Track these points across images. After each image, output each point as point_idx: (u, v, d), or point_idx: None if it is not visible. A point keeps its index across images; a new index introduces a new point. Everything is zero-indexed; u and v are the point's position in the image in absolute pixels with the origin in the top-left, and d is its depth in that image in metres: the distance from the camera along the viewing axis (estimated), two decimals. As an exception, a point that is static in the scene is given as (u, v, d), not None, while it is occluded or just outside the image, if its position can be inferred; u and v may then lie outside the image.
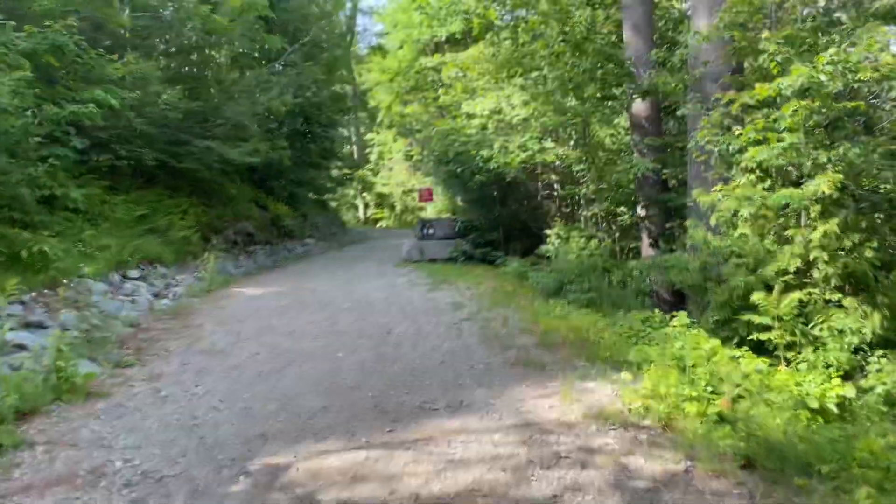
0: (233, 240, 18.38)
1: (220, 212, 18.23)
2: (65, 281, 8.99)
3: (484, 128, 16.30)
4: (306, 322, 8.85)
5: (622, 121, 16.33)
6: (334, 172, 30.60)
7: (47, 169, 10.45)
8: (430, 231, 17.98)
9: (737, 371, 5.44)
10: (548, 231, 14.04)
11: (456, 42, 33.02)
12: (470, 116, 16.60)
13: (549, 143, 14.75)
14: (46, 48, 10.54)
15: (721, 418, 5.05)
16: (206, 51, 16.69)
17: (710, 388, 5.39)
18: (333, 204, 34.83)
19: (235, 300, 10.83)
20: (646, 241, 13.18)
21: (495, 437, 4.48)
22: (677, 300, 12.27)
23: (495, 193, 17.69)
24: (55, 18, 10.69)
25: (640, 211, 13.36)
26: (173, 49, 16.01)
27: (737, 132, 7.89)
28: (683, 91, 11.04)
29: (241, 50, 19.12)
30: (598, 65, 11.79)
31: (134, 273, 11.57)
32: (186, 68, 17.12)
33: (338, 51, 28.05)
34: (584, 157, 13.37)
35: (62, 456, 4.41)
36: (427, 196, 34.42)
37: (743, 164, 8.14)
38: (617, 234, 13.39)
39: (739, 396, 5.43)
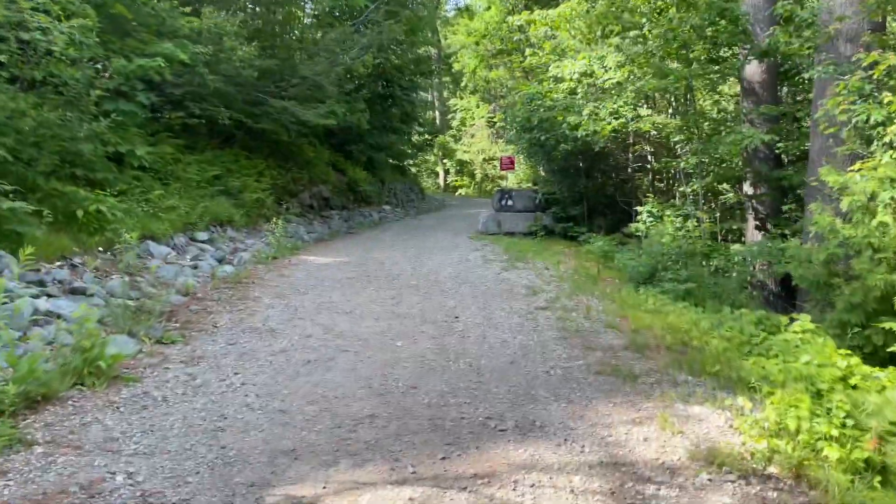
0: (308, 203, 17.87)
1: (296, 174, 17.71)
2: (120, 243, 8.49)
3: (573, 92, 14.98)
4: (369, 299, 8.03)
5: (726, 88, 14.67)
6: (415, 138, 29.78)
7: (111, 124, 10.01)
8: (509, 202, 16.89)
9: (890, 405, 4.23)
10: (638, 208, 12.74)
11: (546, 2, 31.40)
12: (557, 80, 15.29)
13: (644, 111, 13.34)
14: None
15: (869, 465, 3.90)
16: (287, 7, 15.92)
17: (850, 421, 4.22)
18: (413, 170, 34.09)
19: (301, 269, 10.15)
20: (752, 223, 11.75)
21: (574, 481, 3.49)
22: (787, 294, 10.86)
23: (581, 164, 16.42)
24: (125, -34, 10.13)
25: (748, 189, 11.90)
26: (252, 4, 15.29)
27: (886, 99, 6.46)
28: (810, 52, 9.50)
29: (324, 7, 18.33)
30: (709, 20, 10.31)
31: (202, 235, 11.08)
32: (267, 25, 16.44)
33: (422, 11, 26.92)
34: (685, 127, 11.92)
35: (60, 462, 3.71)
36: (508, 165, 33.21)
37: (887, 139, 6.72)
38: (717, 215, 11.96)
39: (890, 434, 4.24)
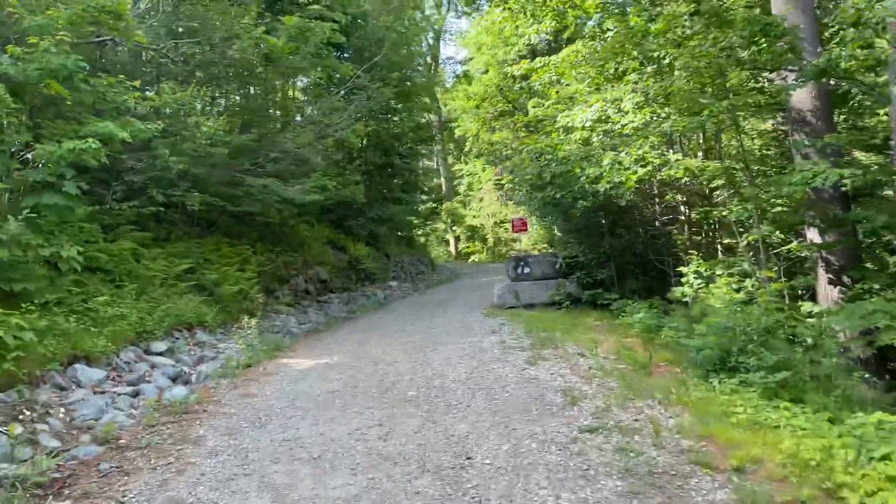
0: (303, 289, 15.84)
1: (288, 258, 15.76)
2: (21, 377, 6.39)
3: (585, 143, 13.00)
4: (349, 430, 5.78)
5: (748, 125, 12.65)
6: (421, 207, 27.98)
7: (40, 221, 8.10)
8: (526, 270, 14.73)
9: None
10: (682, 268, 10.53)
11: (545, 54, 30.01)
12: (567, 130, 13.34)
13: (673, 155, 11.30)
14: (42, 73, 8.25)
15: None
16: (263, 77, 14.26)
17: None
18: (422, 240, 32.20)
19: (274, 381, 7.96)
20: (823, 277, 9.49)
21: None
22: (877, 360, 8.59)
23: (603, 221, 14.31)
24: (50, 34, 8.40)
25: (813, 236, 9.69)
26: (223, 77, 13.65)
27: None
28: (881, 69, 7.50)
29: (305, 78, 16.74)
30: (749, 39, 8.35)
31: (158, 346, 8.98)
32: (245, 99, 14.81)
33: (418, 78, 25.52)
34: (728, 169, 9.81)
35: None
36: (520, 227, 31.13)
37: None
38: (778, 269, 9.72)
39: None
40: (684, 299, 10.33)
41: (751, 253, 9.42)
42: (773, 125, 12.96)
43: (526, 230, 31.51)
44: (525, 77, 16.78)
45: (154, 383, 7.70)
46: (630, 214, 14.74)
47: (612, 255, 14.06)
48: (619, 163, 10.60)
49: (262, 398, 7.13)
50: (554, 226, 20.46)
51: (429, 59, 37.02)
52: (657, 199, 14.22)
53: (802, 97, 9.64)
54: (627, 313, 11.70)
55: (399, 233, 25.16)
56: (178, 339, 9.66)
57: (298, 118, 15.04)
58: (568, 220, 15.02)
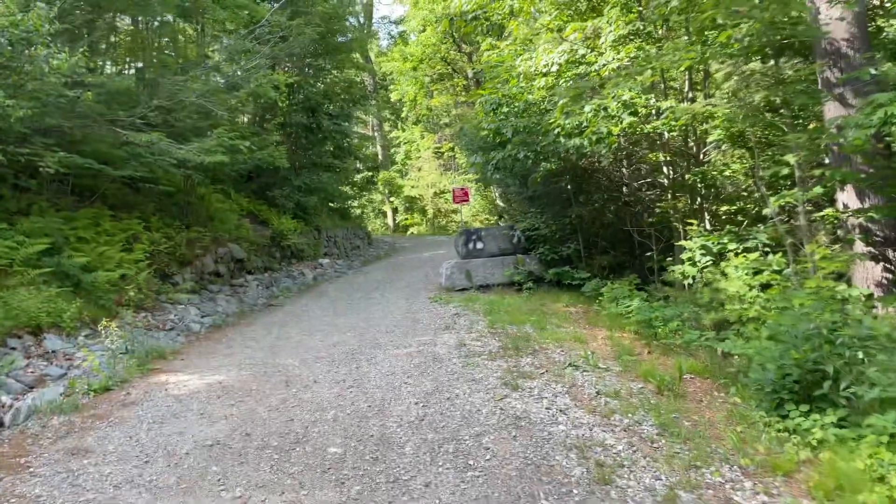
0: (212, 270, 12.94)
1: (193, 234, 12.79)
2: None
3: (550, 91, 10.55)
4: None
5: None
6: (355, 176, 25.10)
7: None
8: (478, 245, 12.28)
9: None
10: (683, 243, 8.26)
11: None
12: (528, 77, 10.85)
13: (666, 101, 8.97)
14: None
15: None
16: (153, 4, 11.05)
17: None
18: (357, 213, 29.36)
19: (127, 423, 5.22)
20: (863, 252, 7.37)
21: None
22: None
23: (569, 187, 11.98)
24: None
25: (848, 200, 7.56)
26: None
27: None
28: None
29: (215, 17, 13.53)
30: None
31: None
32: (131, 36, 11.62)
33: (350, 30, 22.42)
34: (742, 115, 7.51)
35: None
36: (462, 197, 28.68)
37: None
38: (801, 241, 7.54)
39: None
40: (686, 280, 8.10)
41: (772, 219, 7.17)
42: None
43: (467, 200, 29.14)
44: (474, 18, 13.92)
45: (-62, 433, 4.91)
46: (595, 178, 12.44)
47: (579, 226, 11.78)
48: (605, 109, 8.19)
49: (96, 459, 4.44)
50: (507, 192, 18.18)
51: (361, 18, 33.78)
52: (627, 160, 11.94)
53: (836, 25, 7.43)
54: (605, 297, 9.47)
55: (331, 204, 22.26)
56: (11, 350, 6.78)
57: (196, 64, 11.93)
58: (525, 186, 12.65)
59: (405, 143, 35.32)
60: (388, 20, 49.03)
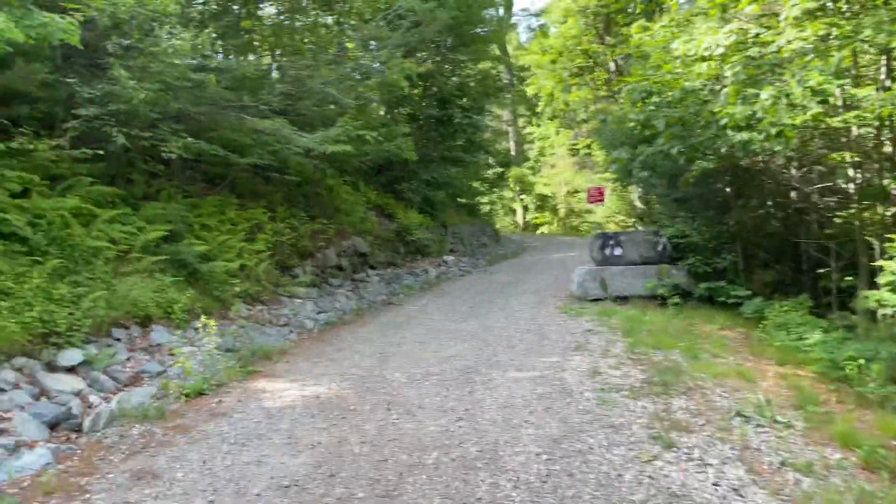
0: (335, 264, 12.54)
1: (318, 226, 12.44)
2: None
3: (714, 78, 9.05)
4: None
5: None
6: (486, 172, 24.20)
7: None
8: (616, 251, 10.92)
9: None
10: (883, 263, 6.58)
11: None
12: (687, 63, 9.37)
13: (862, 90, 7.26)
14: None
15: None
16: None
17: None
18: (486, 209, 28.52)
19: (205, 442, 4.56)
20: None
21: None
22: None
23: (728, 189, 10.38)
24: None
25: None
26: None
27: None
28: None
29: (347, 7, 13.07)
30: None
31: (70, 355, 5.73)
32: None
33: (488, 22, 21.49)
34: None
35: None
36: (597, 196, 27.06)
37: None
38: None
39: None
40: (882, 310, 6.43)
41: None
42: None
43: (602, 200, 27.55)
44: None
45: (17, 433, 4.48)
46: (758, 180, 10.70)
47: (738, 235, 10.14)
48: (787, 96, 6.67)
49: (160, 489, 3.76)
50: (645, 194, 16.57)
51: (500, 10, 32.81)
52: (799, 160, 10.11)
53: None
54: (770, 321, 7.91)
55: (459, 199, 21.55)
56: (115, 341, 6.45)
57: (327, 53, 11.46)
58: (673, 186, 11.14)
59: (539, 139, 34.05)
60: (528, 12, 47.83)
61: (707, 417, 4.59)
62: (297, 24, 12.28)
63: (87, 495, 3.68)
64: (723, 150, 8.50)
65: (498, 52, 23.96)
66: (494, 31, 22.04)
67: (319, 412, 5.04)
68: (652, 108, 9.11)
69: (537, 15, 36.87)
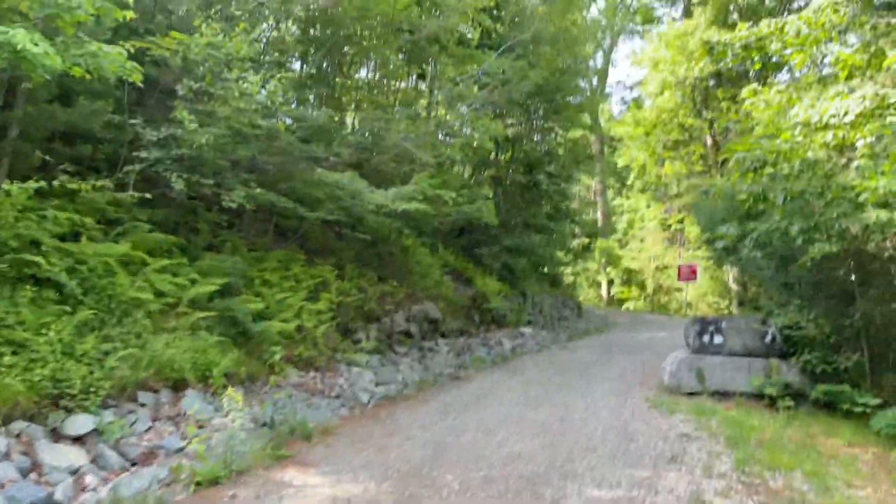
0: (402, 329, 11.65)
1: (389, 287, 11.67)
2: None
3: (840, 148, 7.75)
4: None
5: None
6: (571, 241, 23.02)
7: None
8: (716, 339, 9.48)
9: None
10: None
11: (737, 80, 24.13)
12: (807, 129, 8.10)
13: None
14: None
15: None
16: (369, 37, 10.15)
17: None
18: (569, 279, 27.17)
19: None
20: None
21: None
22: None
23: (853, 277, 8.83)
24: None
25: None
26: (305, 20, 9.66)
27: None
28: None
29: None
30: None
31: (81, 422, 5.00)
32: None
33: (581, 91, 20.77)
34: None
35: None
36: (688, 274, 25.37)
37: None
38: None
39: None
40: None
41: None
42: None
43: (695, 279, 25.73)
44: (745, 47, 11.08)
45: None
46: (886, 268, 9.09)
47: (865, 330, 8.53)
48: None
49: None
50: (743, 275, 14.96)
51: (594, 81, 32.19)
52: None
53: None
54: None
55: (541, 268, 20.42)
56: (139, 407, 5.70)
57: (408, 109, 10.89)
58: (783, 269, 9.68)
59: (629, 211, 32.65)
60: (622, 84, 47.12)
61: None
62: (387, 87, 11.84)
63: None
64: (854, 230, 7.12)
65: (589, 122, 23.09)
66: (587, 100, 21.29)
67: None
68: (767, 179, 7.86)
69: (631, 88, 36.05)
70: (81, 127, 6.93)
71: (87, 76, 5.37)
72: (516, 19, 15.39)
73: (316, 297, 9.63)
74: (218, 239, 9.10)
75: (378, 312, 11.06)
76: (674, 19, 28.59)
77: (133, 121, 6.95)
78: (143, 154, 6.96)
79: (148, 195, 6.87)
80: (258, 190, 8.15)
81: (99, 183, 6.32)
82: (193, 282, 7.59)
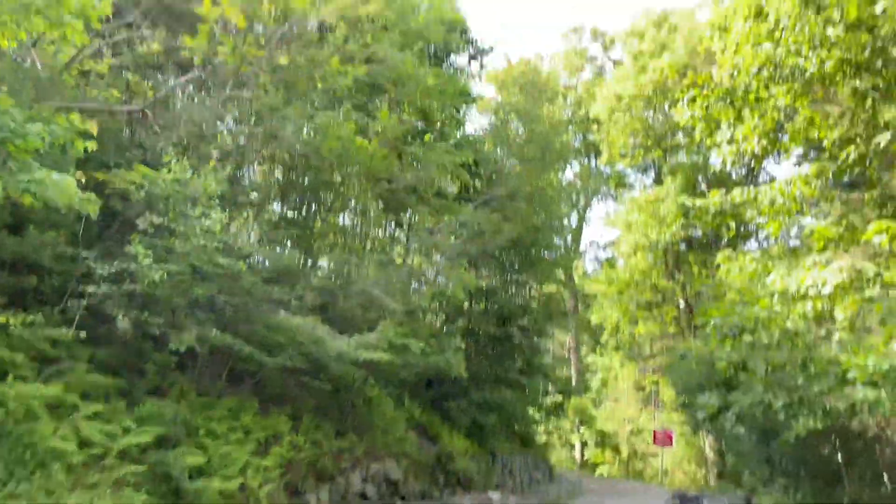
0: (358, 491, 10.65)
1: (347, 443, 10.80)
2: None
3: (819, 319, 7.55)
4: None
5: None
6: (543, 399, 22.24)
7: None
8: (698, 519, 8.69)
9: None
10: None
11: (707, 245, 24.83)
12: (785, 298, 7.95)
13: None
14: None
15: None
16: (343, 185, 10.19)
17: None
18: (541, 439, 26.01)
19: None
20: None
21: None
22: None
23: (838, 456, 8.31)
24: None
25: None
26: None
27: None
28: None
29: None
30: None
31: None
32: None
33: (555, 248, 21.09)
34: None
35: None
36: (664, 440, 24.56)
37: None
38: None
39: None
40: None
41: None
42: None
43: (671, 444, 24.84)
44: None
45: None
46: (871, 448, 8.61)
47: (856, 516, 7.88)
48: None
49: None
50: (720, 444, 14.29)
51: (569, 238, 32.95)
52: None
53: None
54: None
55: (512, 425, 19.47)
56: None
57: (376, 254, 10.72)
58: (764, 443, 9.14)
59: (602, 369, 32.13)
60: (596, 244, 48.40)
61: None
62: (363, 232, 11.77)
63: None
64: (841, 407, 6.72)
65: (563, 278, 23.25)
66: (561, 256, 21.56)
67: None
68: (747, 348, 7.56)
69: (605, 247, 36.94)
70: (30, 257, 6.51)
71: (39, 206, 5.06)
72: (494, 176, 15.89)
73: (266, 451, 8.79)
74: (165, 382, 8.40)
75: (332, 471, 10.11)
76: (645, 186, 29.93)
77: (85, 254, 6.55)
78: (91, 289, 6.49)
79: (83, 334, 6.32)
80: (214, 332, 7.65)
81: (30, 318, 5.78)
82: (127, 430, 6.83)
